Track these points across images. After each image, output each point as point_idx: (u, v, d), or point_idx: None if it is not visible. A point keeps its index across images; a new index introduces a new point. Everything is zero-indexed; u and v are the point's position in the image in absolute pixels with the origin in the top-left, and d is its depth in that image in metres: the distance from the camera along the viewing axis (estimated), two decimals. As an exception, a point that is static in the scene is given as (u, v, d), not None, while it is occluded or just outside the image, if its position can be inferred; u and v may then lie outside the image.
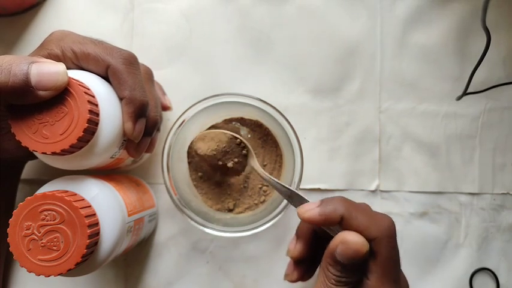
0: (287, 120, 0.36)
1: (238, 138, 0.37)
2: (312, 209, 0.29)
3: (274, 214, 0.36)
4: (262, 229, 0.36)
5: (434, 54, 0.43)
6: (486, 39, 0.32)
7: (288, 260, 0.36)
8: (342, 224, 0.28)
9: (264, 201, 0.40)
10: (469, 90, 0.37)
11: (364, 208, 0.30)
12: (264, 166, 0.40)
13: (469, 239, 0.42)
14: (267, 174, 0.34)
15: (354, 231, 0.28)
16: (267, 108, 0.37)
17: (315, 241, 0.34)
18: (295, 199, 0.31)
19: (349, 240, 0.27)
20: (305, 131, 0.42)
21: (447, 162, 0.43)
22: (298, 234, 0.35)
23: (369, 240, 0.28)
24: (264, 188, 0.40)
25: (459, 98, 0.38)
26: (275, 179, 0.33)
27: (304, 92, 0.43)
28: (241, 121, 0.40)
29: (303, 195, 0.31)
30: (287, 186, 0.32)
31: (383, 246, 0.28)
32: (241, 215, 0.40)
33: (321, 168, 0.42)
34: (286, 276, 0.35)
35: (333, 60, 0.43)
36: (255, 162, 0.36)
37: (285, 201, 0.36)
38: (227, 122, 0.40)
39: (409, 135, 0.43)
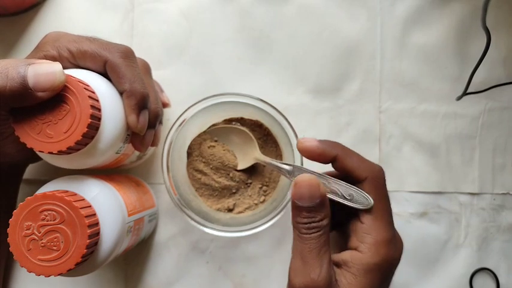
0: (287, 120, 0.36)
1: (240, 128, 0.37)
2: (311, 140, 0.31)
3: (274, 214, 0.36)
4: (262, 229, 0.36)
5: (434, 54, 0.43)
6: (486, 39, 0.32)
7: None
8: (335, 163, 0.30)
9: (263, 201, 0.40)
10: (469, 90, 0.37)
11: (357, 153, 0.31)
12: (264, 166, 0.40)
13: (469, 239, 0.42)
14: (268, 158, 0.36)
15: (347, 170, 0.30)
16: (267, 108, 0.37)
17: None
18: (297, 174, 0.32)
19: (298, 179, 0.29)
20: (305, 131, 0.42)
21: (447, 162, 0.43)
22: None
23: (360, 179, 0.29)
24: (264, 188, 0.40)
25: (459, 98, 0.38)
26: (277, 161, 0.34)
27: (304, 92, 0.43)
28: (241, 121, 0.40)
29: (305, 168, 0.32)
30: (289, 163, 0.33)
31: (373, 186, 0.29)
32: (241, 215, 0.40)
33: (321, 169, 0.42)
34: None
35: (332, 60, 0.43)
36: (258, 153, 0.38)
37: (285, 201, 0.36)
38: (227, 122, 0.40)
39: (409, 135, 0.43)
